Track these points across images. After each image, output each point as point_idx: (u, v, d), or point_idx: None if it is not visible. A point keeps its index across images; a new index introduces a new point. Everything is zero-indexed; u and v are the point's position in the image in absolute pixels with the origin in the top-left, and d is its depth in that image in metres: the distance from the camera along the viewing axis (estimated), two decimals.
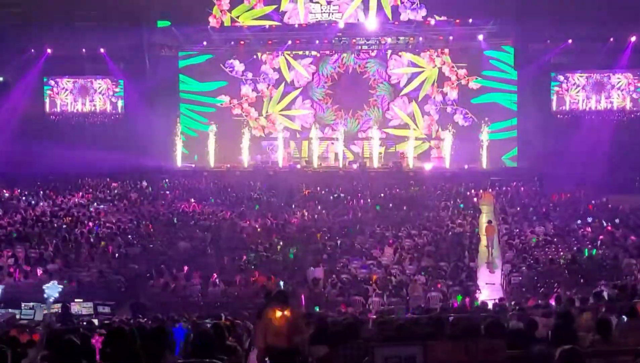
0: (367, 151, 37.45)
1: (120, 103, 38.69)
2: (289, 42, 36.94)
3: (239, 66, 38.53)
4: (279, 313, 8.04)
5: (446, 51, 37.06)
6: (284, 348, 7.84)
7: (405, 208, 27.90)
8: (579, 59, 34.51)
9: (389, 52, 37.82)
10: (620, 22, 31.11)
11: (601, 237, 22.62)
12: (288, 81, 38.53)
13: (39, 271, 19.60)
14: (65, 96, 38.87)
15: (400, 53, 37.80)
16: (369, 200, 29.61)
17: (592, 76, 35.57)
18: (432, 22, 35.55)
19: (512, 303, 15.57)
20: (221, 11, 37.21)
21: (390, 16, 36.15)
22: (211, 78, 38.47)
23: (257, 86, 38.73)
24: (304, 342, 7.87)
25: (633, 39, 33.26)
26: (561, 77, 35.89)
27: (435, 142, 37.12)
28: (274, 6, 36.85)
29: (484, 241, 24.18)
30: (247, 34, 36.76)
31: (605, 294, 13.58)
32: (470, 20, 34.66)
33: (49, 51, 36.46)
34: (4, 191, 30.34)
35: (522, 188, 31.11)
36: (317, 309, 13.88)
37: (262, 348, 8.13)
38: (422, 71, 37.65)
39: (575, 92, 35.73)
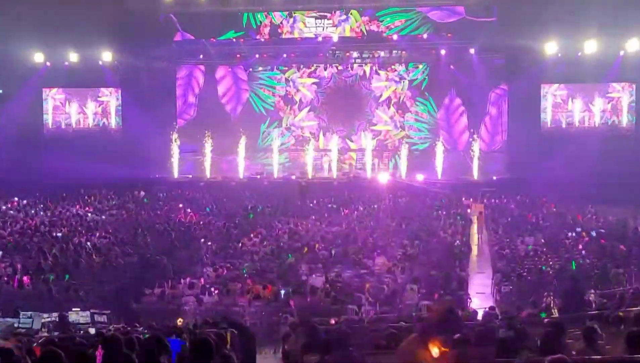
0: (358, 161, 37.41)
1: (116, 115, 38.47)
2: (284, 55, 36.95)
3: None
4: (436, 351, 4.79)
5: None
6: None
7: (397, 218, 27.88)
8: (568, 71, 34.46)
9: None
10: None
11: (587, 244, 22.70)
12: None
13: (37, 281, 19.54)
14: (62, 108, 38.66)
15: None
16: (361, 209, 29.59)
17: (581, 89, 35.54)
18: (425, 35, 35.65)
19: (502, 312, 15.57)
20: None
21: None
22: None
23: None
24: None
25: (622, 53, 33.32)
26: (551, 90, 35.84)
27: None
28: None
29: (474, 251, 24.18)
30: (243, 47, 36.76)
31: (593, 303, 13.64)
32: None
33: (48, 63, 36.40)
34: (2, 202, 30.16)
35: (511, 201, 31.10)
36: None
37: None
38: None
39: (565, 106, 35.73)
